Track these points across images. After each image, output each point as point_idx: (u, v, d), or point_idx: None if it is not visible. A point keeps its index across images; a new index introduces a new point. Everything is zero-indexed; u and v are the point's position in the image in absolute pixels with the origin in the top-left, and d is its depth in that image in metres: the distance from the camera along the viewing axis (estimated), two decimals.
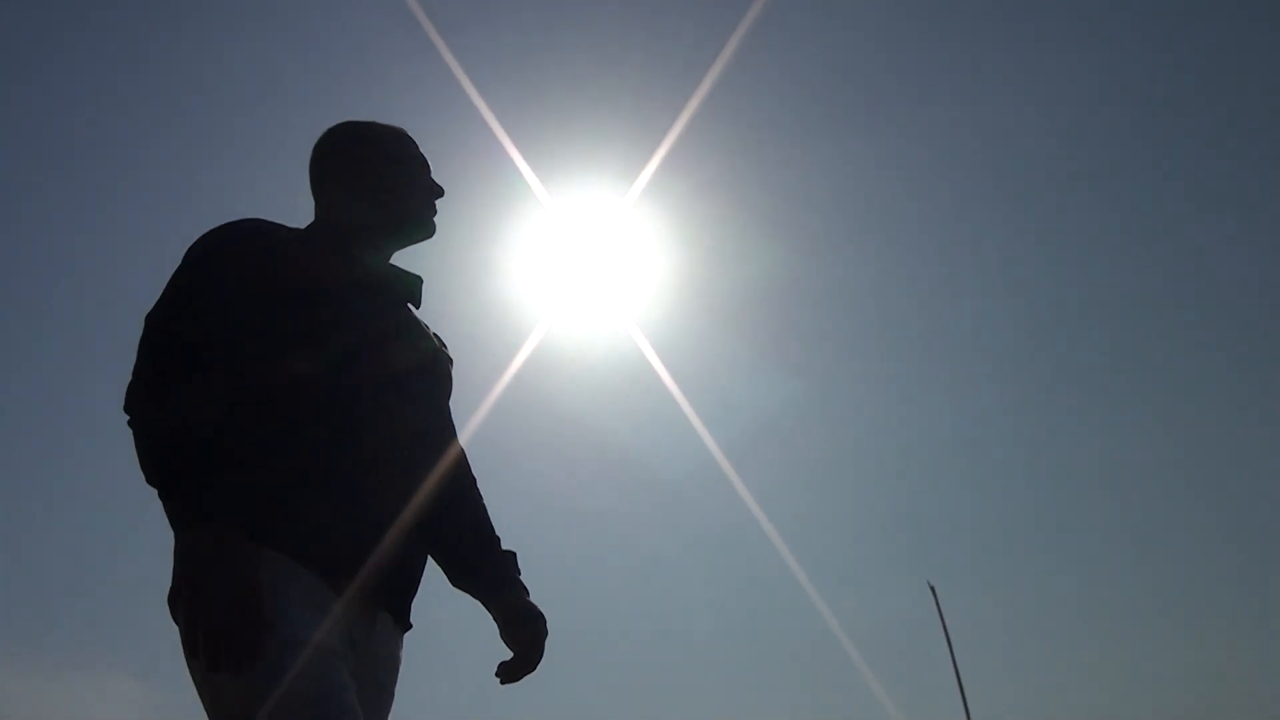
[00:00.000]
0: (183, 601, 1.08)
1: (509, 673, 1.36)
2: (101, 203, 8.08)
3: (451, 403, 1.41)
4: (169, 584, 1.15)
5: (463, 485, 1.42)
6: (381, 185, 1.38)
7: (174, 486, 1.11)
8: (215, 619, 1.03)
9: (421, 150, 1.44)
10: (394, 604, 1.25)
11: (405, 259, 1.44)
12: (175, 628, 1.13)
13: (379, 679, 1.23)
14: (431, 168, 1.44)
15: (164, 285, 1.22)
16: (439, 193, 1.42)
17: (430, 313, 1.44)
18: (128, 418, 1.16)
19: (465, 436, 1.44)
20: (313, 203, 1.42)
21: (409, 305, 1.40)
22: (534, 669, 1.36)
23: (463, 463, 1.42)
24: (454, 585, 1.42)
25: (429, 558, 1.36)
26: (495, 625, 1.38)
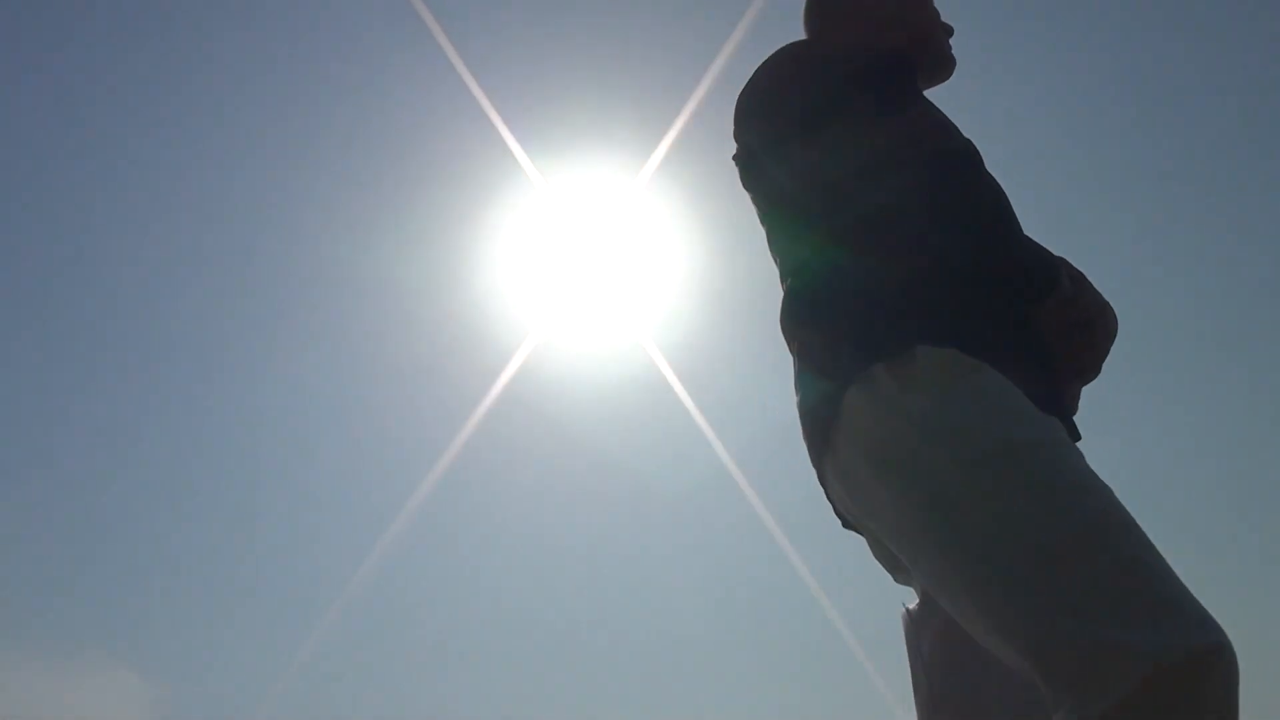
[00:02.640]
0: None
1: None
2: (100, 202, 8.10)
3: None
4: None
5: None
6: (907, 18, 1.23)
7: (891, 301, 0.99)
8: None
9: None
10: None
11: None
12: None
13: None
14: None
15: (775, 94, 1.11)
16: (950, 29, 1.28)
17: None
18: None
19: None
20: None
21: None
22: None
23: None
24: None
25: None
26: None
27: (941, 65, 1.26)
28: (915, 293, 1.00)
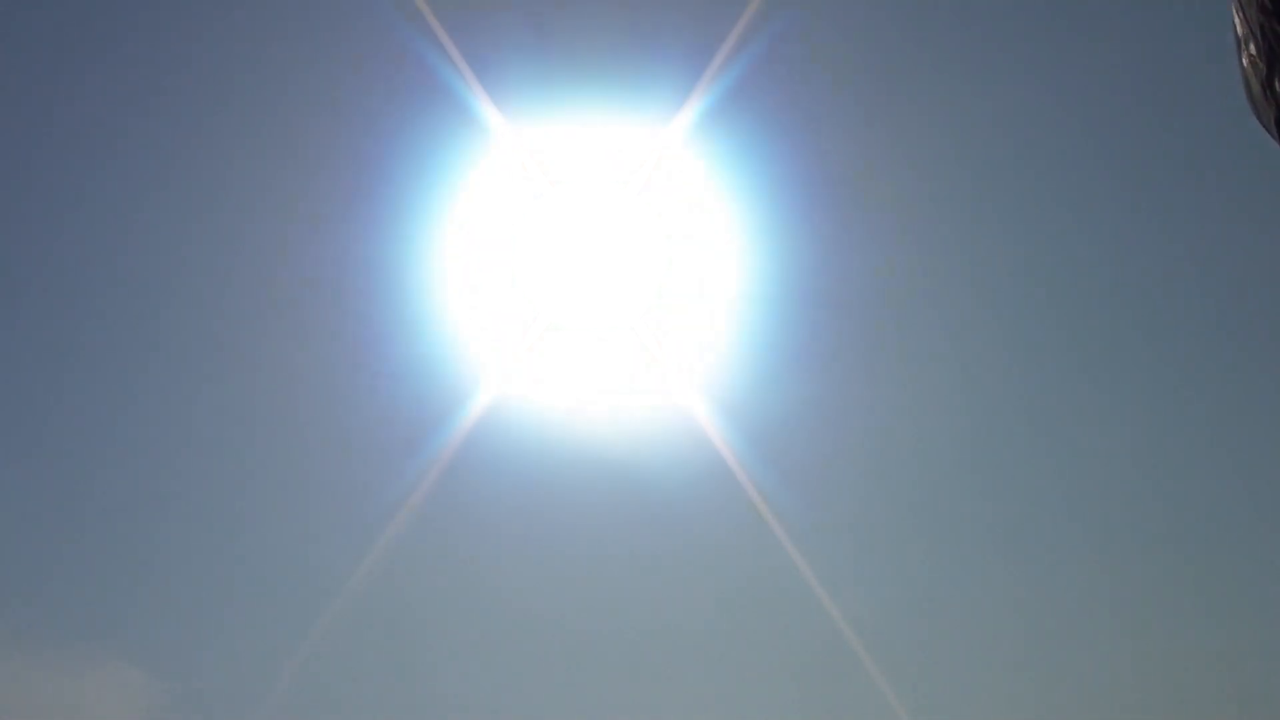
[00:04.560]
0: None
1: None
2: (96, 198, 8.08)
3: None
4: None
5: None
6: None
7: None
8: None
9: None
10: None
11: None
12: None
13: None
14: None
15: None
16: None
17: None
18: None
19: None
20: None
21: None
22: None
23: None
24: None
25: None
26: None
27: None
28: None
